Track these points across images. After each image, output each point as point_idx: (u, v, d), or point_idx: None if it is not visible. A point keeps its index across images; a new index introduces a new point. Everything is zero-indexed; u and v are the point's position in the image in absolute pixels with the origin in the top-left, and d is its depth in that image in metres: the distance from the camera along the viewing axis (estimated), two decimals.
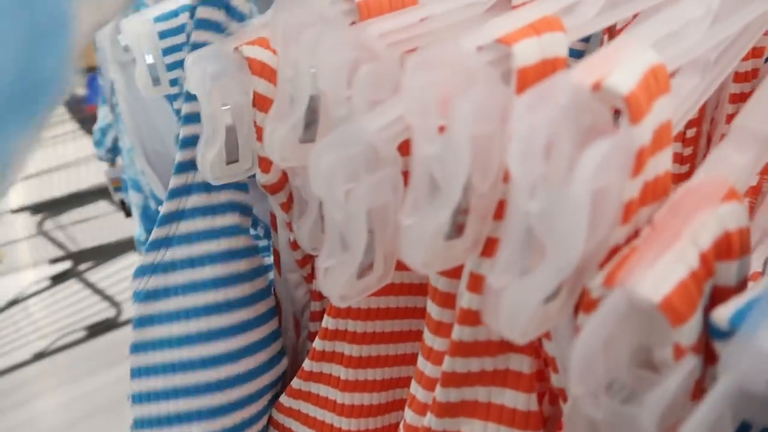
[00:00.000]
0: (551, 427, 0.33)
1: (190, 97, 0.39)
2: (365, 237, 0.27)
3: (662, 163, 0.24)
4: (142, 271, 0.41)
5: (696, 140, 0.49)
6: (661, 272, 0.20)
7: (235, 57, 0.35)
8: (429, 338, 0.32)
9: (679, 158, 0.48)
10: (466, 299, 0.29)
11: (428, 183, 0.25)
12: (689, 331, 0.20)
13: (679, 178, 0.34)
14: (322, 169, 0.27)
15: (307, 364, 0.43)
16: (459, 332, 0.29)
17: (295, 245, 0.42)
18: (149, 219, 0.71)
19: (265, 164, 0.37)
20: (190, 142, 0.40)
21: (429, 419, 0.31)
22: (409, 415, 0.34)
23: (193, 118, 0.40)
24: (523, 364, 0.30)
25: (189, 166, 0.40)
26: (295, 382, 0.44)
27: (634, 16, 0.35)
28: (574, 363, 0.20)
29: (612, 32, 0.48)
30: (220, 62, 0.35)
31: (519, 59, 0.25)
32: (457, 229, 0.26)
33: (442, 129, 0.25)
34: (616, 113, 0.22)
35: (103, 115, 1.03)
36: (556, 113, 0.21)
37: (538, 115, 0.21)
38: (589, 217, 0.20)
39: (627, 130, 0.21)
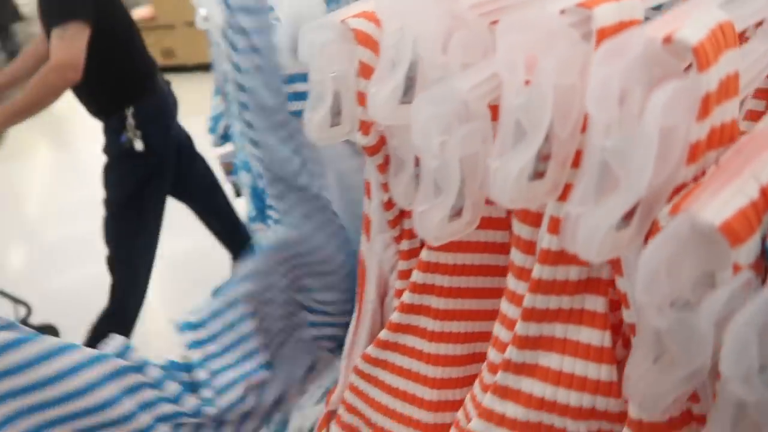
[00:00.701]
0: (623, 368, 0.36)
1: None
2: (458, 182, 0.31)
3: (729, 111, 0.26)
4: None
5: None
6: (722, 201, 0.23)
7: (342, 28, 0.39)
8: (513, 283, 0.36)
9: None
10: (546, 240, 0.32)
11: (514, 130, 0.28)
12: (747, 252, 0.23)
13: None
14: (420, 122, 0.31)
15: (395, 317, 0.47)
16: (539, 271, 0.33)
17: (388, 205, 0.46)
18: (257, 197, 0.78)
19: (365, 127, 0.41)
20: None
21: (510, 351, 0.34)
22: (492, 354, 0.37)
23: None
24: (597, 304, 0.33)
25: None
26: (383, 334, 0.48)
27: None
28: (639, 274, 0.23)
29: None
30: (328, 33, 0.39)
31: (598, 21, 0.28)
32: (539, 173, 0.29)
33: (527, 83, 0.28)
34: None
35: (216, 104, 1.11)
36: (630, 63, 0.24)
37: (613, 65, 0.24)
38: (657, 150, 0.23)
39: (694, 76, 0.24)
